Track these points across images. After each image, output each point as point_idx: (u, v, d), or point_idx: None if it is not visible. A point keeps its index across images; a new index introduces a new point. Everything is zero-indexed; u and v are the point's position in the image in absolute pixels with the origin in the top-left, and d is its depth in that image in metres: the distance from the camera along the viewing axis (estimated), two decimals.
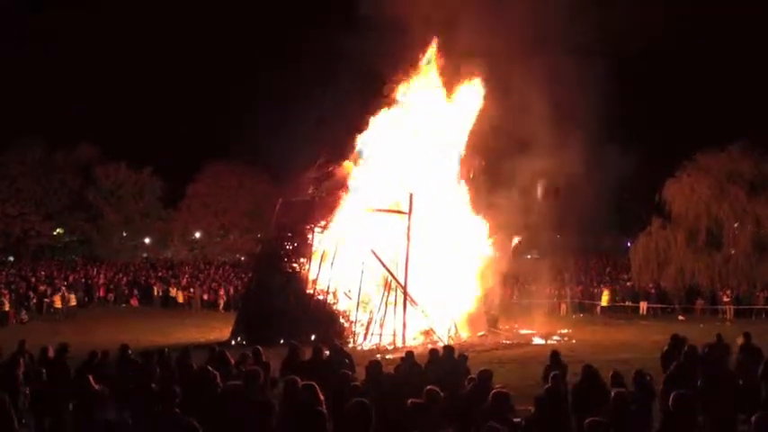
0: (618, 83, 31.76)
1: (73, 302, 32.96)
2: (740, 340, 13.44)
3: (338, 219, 25.87)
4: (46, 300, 33.69)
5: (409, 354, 12.41)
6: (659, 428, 7.02)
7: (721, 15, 49.53)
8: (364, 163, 26.90)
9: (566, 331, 27.14)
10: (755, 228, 33.30)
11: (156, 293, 38.99)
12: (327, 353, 13.14)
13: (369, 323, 24.30)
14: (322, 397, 7.63)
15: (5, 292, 31.71)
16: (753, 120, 45.02)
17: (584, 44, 26.89)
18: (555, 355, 12.89)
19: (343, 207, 26.01)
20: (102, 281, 40.41)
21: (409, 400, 8.02)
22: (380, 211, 25.42)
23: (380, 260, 24.46)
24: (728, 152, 33.76)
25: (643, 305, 34.36)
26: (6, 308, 30.17)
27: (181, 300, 37.94)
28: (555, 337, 25.68)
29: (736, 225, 33.42)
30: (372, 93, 27.64)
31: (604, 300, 34.97)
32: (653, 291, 34.61)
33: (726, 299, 32.67)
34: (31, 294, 33.84)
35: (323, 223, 26.08)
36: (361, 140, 27.24)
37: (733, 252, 33.20)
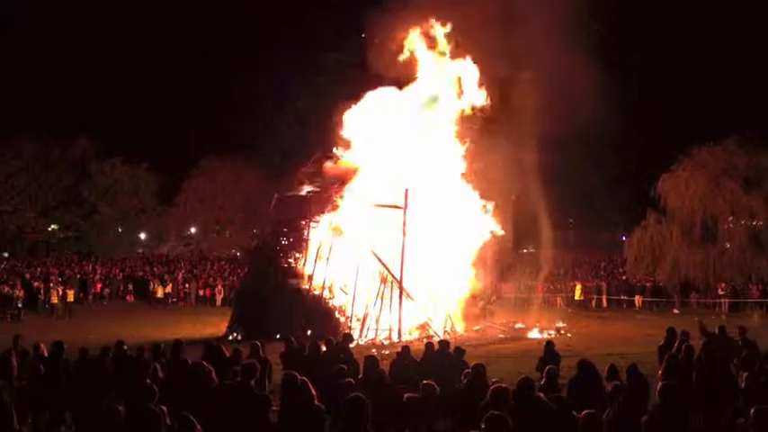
0: (613, 78, 31.84)
1: (71, 298, 32.80)
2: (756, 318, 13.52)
3: (334, 214, 25.84)
4: (40, 296, 33.62)
5: (405, 348, 12.43)
6: (647, 419, 7.04)
7: (717, 10, 49.63)
8: (359, 157, 26.83)
9: (561, 325, 27.20)
10: (750, 222, 33.40)
11: (151, 289, 38.88)
12: (325, 348, 13.17)
13: (365, 318, 24.31)
14: (314, 392, 7.65)
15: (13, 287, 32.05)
16: (748, 114, 45.13)
17: (581, 39, 26.93)
18: (549, 345, 13.03)
19: (338, 202, 25.98)
20: (97, 276, 40.33)
21: (405, 395, 8.05)
22: (377, 205, 25.40)
23: (376, 255, 24.48)
24: (724, 146, 33.77)
25: (638, 299, 34.48)
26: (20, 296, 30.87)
27: (159, 294, 37.93)
28: (551, 332, 25.74)
29: (730, 219, 33.49)
30: (364, 85, 27.60)
31: (577, 294, 35.27)
32: (647, 284, 34.75)
33: (721, 292, 32.79)
34: (20, 292, 33.64)
35: (318, 218, 26.06)
36: (355, 134, 27.21)
37: (728, 246, 33.28)
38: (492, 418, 5.83)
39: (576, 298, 35.38)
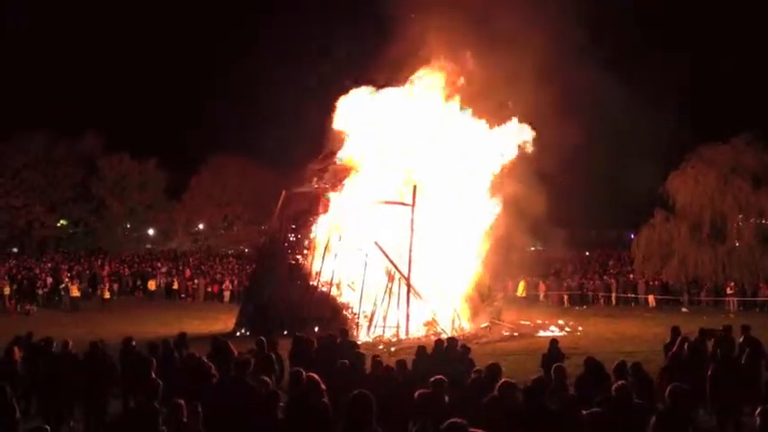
0: (619, 76, 31.74)
1: (75, 293, 32.92)
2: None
3: (342, 210, 25.84)
4: (45, 290, 33.86)
5: (421, 348, 12.45)
6: (655, 421, 7.03)
7: (725, 10, 49.42)
8: (366, 153, 26.80)
9: (569, 323, 27.18)
10: (759, 220, 33.28)
11: (159, 285, 39.07)
12: (339, 340, 13.27)
13: (372, 315, 24.33)
14: (324, 387, 7.69)
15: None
16: (756, 112, 44.97)
17: (585, 35, 26.83)
18: (553, 343, 13.07)
19: (346, 198, 25.98)
20: (106, 272, 40.51)
21: (417, 392, 8.07)
22: (384, 202, 25.42)
23: (384, 252, 24.48)
24: (733, 144, 33.68)
25: (652, 298, 34.40)
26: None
27: (153, 287, 38.16)
28: (553, 328, 25.76)
29: (740, 217, 33.38)
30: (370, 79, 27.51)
31: (520, 290, 35.28)
32: (654, 283, 34.69)
33: (729, 291, 32.67)
34: (38, 285, 34.06)
35: (326, 215, 26.05)
36: (357, 130, 27.18)
37: (737, 244, 33.16)
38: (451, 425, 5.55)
39: (519, 294, 35.22)
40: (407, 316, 23.94)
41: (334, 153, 27.46)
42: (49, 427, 6.62)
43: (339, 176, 26.77)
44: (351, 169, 26.70)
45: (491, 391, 7.60)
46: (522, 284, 35.43)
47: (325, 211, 26.04)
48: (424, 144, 26.28)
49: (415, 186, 24.91)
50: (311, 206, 26.53)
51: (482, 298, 27.15)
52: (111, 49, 64.09)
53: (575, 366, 11.53)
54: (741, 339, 13.17)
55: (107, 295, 33.09)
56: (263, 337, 12.55)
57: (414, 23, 26.46)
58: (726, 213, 33.14)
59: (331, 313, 23.99)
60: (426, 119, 26.74)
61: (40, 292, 33.79)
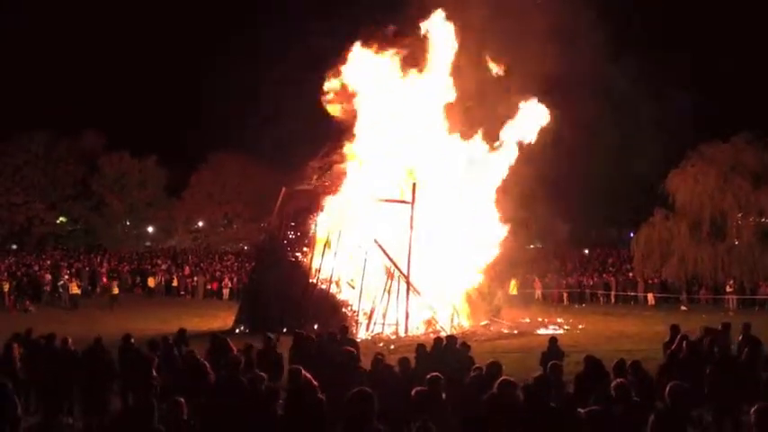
0: (620, 75, 31.77)
1: (75, 290, 32.90)
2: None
3: (341, 208, 25.83)
4: (46, 287, 33.84)
5: (421, 346, 12.43)
6: (654, 419, 7.03)
7: (726, 8, 49.40)
8: (366, 149, 26.75)
9: (568, 320, 27.16)
10: (759, 218, 33.29)
11: (158, 282, 39.05)
12: (331, 341, 13.25)
13: (371, 313, 24.32)
14: (316, 384, 7.72)
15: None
16: (757, 111, 44.93)
17: (586, 33, 26.79)
18: (552, 341, 13.06)
19: (346, 196, 25.97)
20: (105, 269, 40.50)
21: (414, 389, 8.07)
22: (384, 200, 25.41)
23: (383, 250, 24.47)
24: (733, 143, 33.70)
25: (651, 296, 34.38)
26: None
27: (152, 285, 38.17)
28: (553, 326, 25.74)
29: (739, 215, 33.38)
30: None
31: (512, 288, 34.92)
32: (653, 281, 34.68)
33: (729, 289, 32.67)
34: (44, 282, 34.08)
35: (326, 212, 26.04)
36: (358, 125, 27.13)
37: (736, 243, 33.16)
38: None
39: (510, 292, 35.00)
40: (406, 314, 23.94)
41: (333, 149, 27.42)
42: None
43: (339, 174, 26.77)
44: (351, 162, 26.66)
45: (491, 388, 7.60)
46: (513, 282, 35.31)
47: (326, 208, 26.03)
48: (424, 140, 26.26)
49: (414, 184, 24.90)
50: (311, 203, 26.52)
51: (482, 296, 27.14)
52: (112, 49, 64.04)
53: (574, 364, 11.54)
54: (741, 338, 13.17)
55: (116, 290, 33.12)
56: (270, 335, 12.60)
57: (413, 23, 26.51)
58: (726, 212, 33.14)
59: (330, 311, 23.99)
60: (427, 115, 26.73)
61: (47, 290, 33.77)
